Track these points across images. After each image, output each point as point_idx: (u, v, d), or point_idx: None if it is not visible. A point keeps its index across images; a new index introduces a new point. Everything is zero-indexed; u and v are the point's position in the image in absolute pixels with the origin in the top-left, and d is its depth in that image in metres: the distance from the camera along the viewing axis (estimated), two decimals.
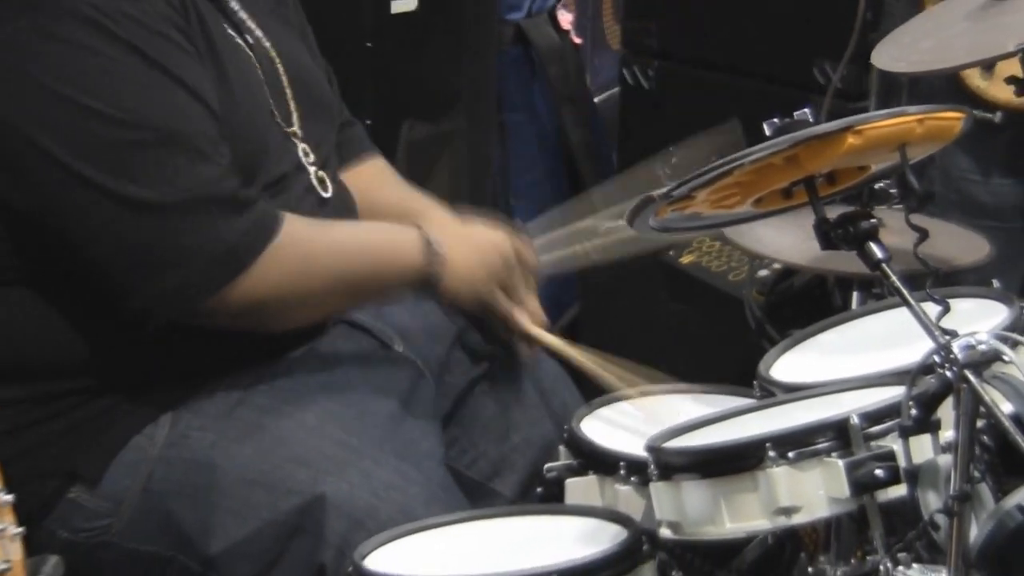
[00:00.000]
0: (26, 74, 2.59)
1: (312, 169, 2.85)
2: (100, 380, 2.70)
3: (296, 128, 2.86)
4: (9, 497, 1.79)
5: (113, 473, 2.70)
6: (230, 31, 2.81)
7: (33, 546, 2.62)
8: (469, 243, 2.85)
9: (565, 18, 4.66)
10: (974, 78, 3.19)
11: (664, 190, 2.42)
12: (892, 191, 2.90)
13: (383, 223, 2.92)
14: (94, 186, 2.58)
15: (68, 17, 2.60)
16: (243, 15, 2.86)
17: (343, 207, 2.90)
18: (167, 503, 2.69)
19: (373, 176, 3.08)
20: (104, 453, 2.70)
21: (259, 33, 2.87)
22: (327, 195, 2.86)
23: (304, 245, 2.70)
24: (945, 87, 3.15)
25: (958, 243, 3.10)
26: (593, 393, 2.86)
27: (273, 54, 2.87)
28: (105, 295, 2.63)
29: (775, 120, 2.43)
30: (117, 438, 2.71)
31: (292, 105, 2.87)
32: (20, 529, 1.79)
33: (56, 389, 2.69)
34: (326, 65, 3.08)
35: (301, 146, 2.86)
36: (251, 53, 2.83)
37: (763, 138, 2.40)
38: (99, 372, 2.70)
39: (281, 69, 2.87)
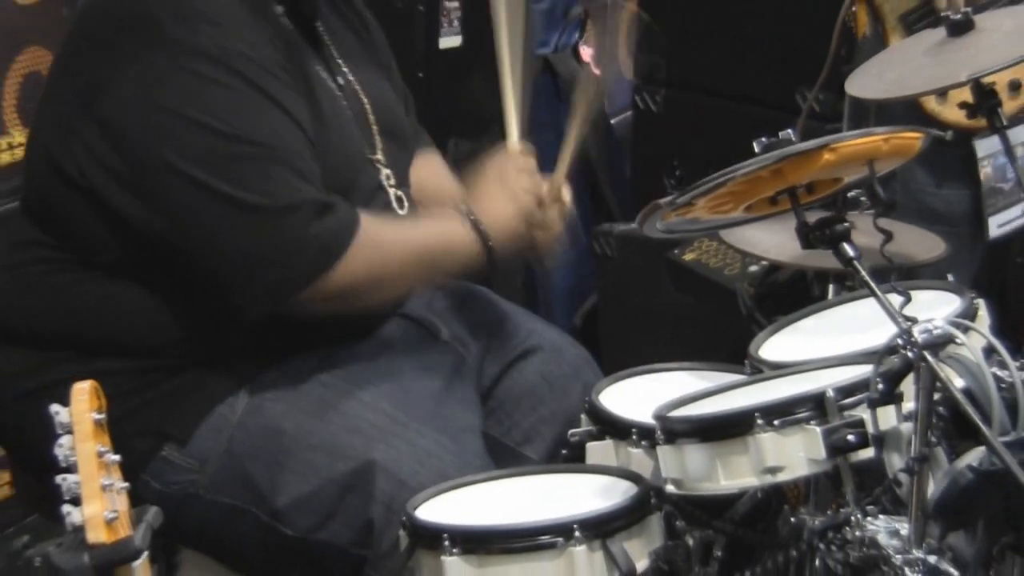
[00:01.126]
0: (161, 100, 2.59)
1: (391, 191, 2.85)
2: (190, 357, 2.71)
3: (379, 155, 2.86)
4: (116, 457, 1.79)
5: (200, 435, 2.70)
6: (324, 74, 2.81)
7: (137, 489, 2.67)
8: (502, 198, 2.82)
9: (586, 52, 4.65)
10: (930, 103, 3.18)
11: (669, 198, 2.43)
12: (862, 199, 2.89)
13: (435, 216, 2.89)
14: (210, 190, 2.58)
15: (198, 55, 2.61)
16: (339, 60, 2.87)
17: None
18: (244, 463, 2.70)
19: (426, 164, 3.07)
20: (192, 418, 2.71)
21: (351, 76, 2.87)
22: (403, 212, 2.86)
23: (379, 239, 2.69)
24: (905, 110, 3.13)
25: (918, 243, 3.09)
26: (608, 373, 2.86)
27: (362, 94, 2.87)
28: (210, 292, 2.64)
29: (763, 139, 2.42)
30: (203, 405, 2.71)
31: (376, 136, 2.87)
32: (126, 484, 1.79)
33: (152, 364, 2.70)
34: (406, 92, 3.09)
35: (384, 171, 2.86)
36: (341, 93, 2.83)
37: (753, 154, 2.39)
38: (189, 350, 2.71)
39: (368, 106, 2.87)
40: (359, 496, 2.63)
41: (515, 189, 2.82)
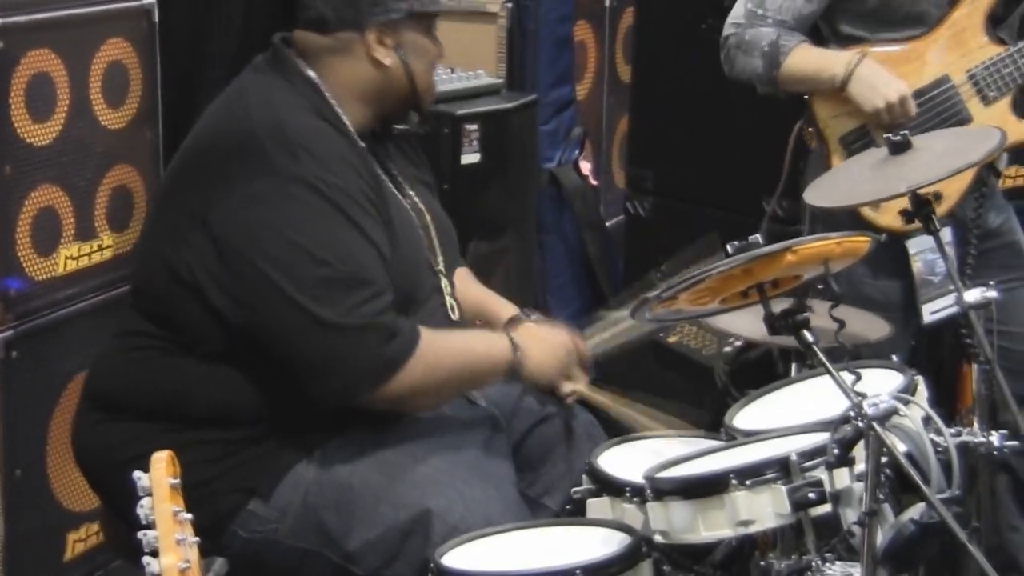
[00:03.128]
0: (263, 219, 2.62)
1: (448, 298, 2.87)
2: (270, 428, 2.71)
3: (441, 266, 2.88)
4: (189, 516, 1.79)
5: (280, 491, 2.70)
6: (397, 195, 2.83)
7: (222, 543, 2.70)
8: (545, 343, 2.85)
9: (585, 166, 4.67)
10: (866, 210, 3.19)
11: (656, 293, 2.43)
12: (820, 287, 2.89)
13: (483, 332, 2.91)
14: (296, 304, 2.59)
15: (298, 182, 2.62)
16: (407, 187, 2.89)
17: (464, 326, 2.92)
18: (318, 513, 2.69)
19: (463, 280, 3.06)
20: (273, 477, 2.70)
21: (413, 195, 2.89)
22: (455, 317, 2.88)
23: (433, 354, 2.68)
24: (848, 216, 3.14)
25: (867, 325, 3.09)
26: (612, 436, 2.86)
27: (423, 208, 2.89)
28: (289, 384, 2.65)
29: (735, 243, 2.42)
30: (282, 466, 2.71)
31: (437, 247, 2.88)
32: (196, 539, 1.79)
33: (239, 434, 2.70)
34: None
35: (444, 281, 2.88)
36: (410, 210, 2.85)
37: (726, 256, 2.39)
38: (270, 423, 2.71)
39: (430, 220, 2.89)
40: (418, 540, 2.62)
41: (563, 353, 2.86)
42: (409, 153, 3.00)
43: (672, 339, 3.89)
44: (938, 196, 3.16)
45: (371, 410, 2.70)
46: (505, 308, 3.03)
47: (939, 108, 3.28)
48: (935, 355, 3.85)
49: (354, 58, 2.78)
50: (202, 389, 2.71)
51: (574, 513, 2.69)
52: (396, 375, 2.63)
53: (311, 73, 2.77)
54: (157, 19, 3.55)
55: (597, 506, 2.61)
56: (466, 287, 3.04)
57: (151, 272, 2.77)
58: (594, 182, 4.74)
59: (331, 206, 2.62)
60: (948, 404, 3.78)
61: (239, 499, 2.70)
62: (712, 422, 2.81)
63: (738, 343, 3.53)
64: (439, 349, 2.71)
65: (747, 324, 3.01)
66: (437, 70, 4.09)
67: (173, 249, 2.70)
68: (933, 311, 3.32)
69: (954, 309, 3.05)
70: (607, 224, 4.78)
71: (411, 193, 2.89)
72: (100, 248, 3.42)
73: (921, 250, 3.29)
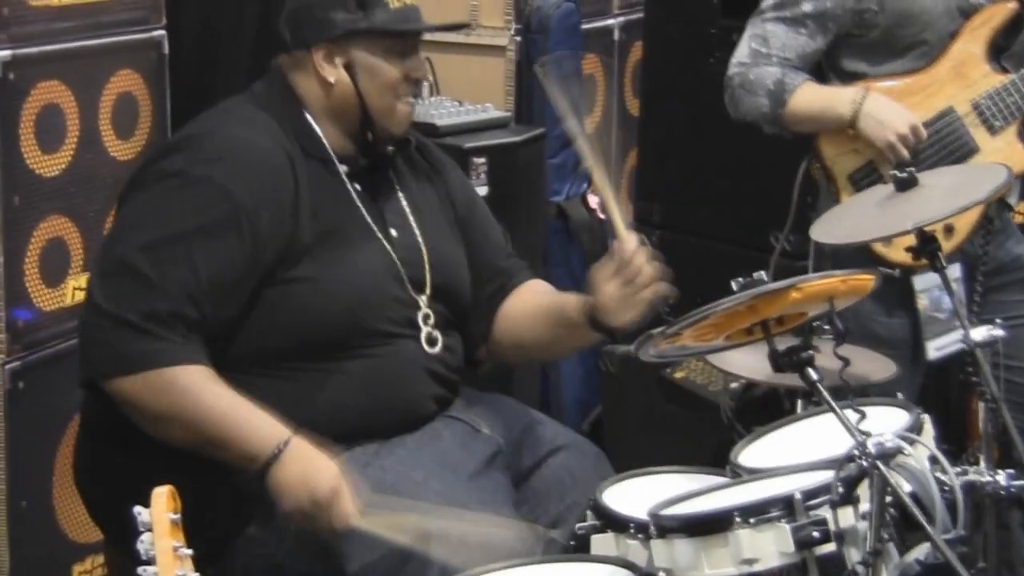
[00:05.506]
0: (139, 198, 2.72)
1: (426, 330, 2.83)
2: None
3: (424, 298, 2.83)
4: (189, 551, 1.78)
5: (278, 514, 2.65)
6: (377, 228, 2.80)
7: (225, 563, 2.68)
8: (312, 466, 2.59)
9: (593, 200, 4.66)
10: (878, 245, 3.18)
11: (660, 330, 2.43)
12: (825, 326, 2.88)
13: (265, 416, 2.61)
14: (96, 274, 2.71)
15: (183, 175, 2.67)
16: (408, 214, 2.87)
17: (444, 363, 2.86)
18: (317, 536, 2.65)
19: (535, 290, 3.02)
20: (271, 500, 2.64)
21: (416, 228, 2.86)
22: (432, 351, 2.83)
23: (181, 390, 2.60)
24: (858, 252, 3.14)
25: (872, 365, 3.08)
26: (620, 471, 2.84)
27: (422, 244, 2.86)
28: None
29: (740, 279, 2.42)
30: None
31: (428, 280, 2.84)
32: (196, 575, 1.78)
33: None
34: (503, 229, 3.07)
35: (422, 312, 2.83)
36: (388, 244, 2.81)
37: (731, 292, 2.39)
38: None
39: (425, 254, 2.85)
40: (417, 564, 2.59)
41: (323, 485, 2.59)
42: (426, 169, 2.97)
43: (678, 375, 3.88)
44: (950, 229, 3.17)
45: (361, 424, 2.71)
46: (571, 299, 2.89)
47: (945, 140, 3.28)
48: (943, 391, 3.83)
49: (308, 76, 2.80)
50: None
51: (578, 549, 2.67)
52: (127, 376, 2.59)
53: (299, 93, 2.80)
54: (167, 51, 3.56)
55: (601, 542, 2.60)
56: (534, 297, 2.98)
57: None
58: (602, 216, 4.73)
59: (194, 206, 2.65)
60: (957, 440, 3.76)
61: (238, 524, 2.69)
62: (717, 458, 2.79)
63: (744, 380, 3.51)
64: (197, 388, 2.61)
65: (753, 360, 3.00)
66: (444, 103, 4.16)
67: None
68: (938, 348, 3.31)
69: (960, 346, 3.04)
70: None
71: (410, 220, 2.87)
72: None
73: (927, 287, 3.28)
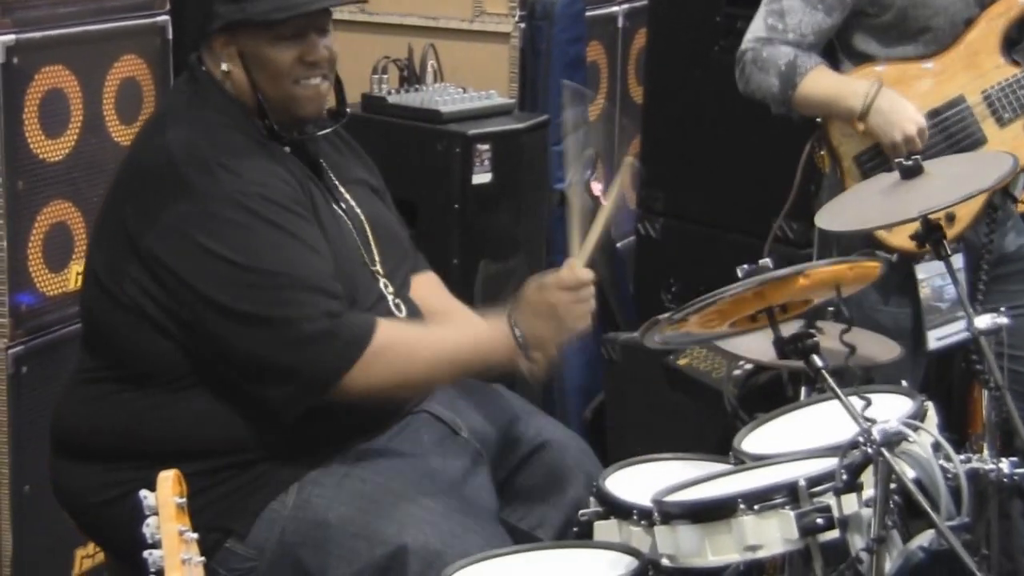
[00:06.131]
0: (190, 241, 2.62)
1: (390, 298, 2.83)
2: (247, 463, 2.70)
3: (379, 267, 2.85)
4: (195, 535, 1.79)
5: (257, 529, 2.69)
6: (328, 200, 2.82)
7: None
8: (536, 315, 2.73)
9: (596, 187, 4.65)
10: (879, 230, 3.18)
11: (665, 316, 2.42)
12: (831, 308, 2.88)
13: (465, 323, 2.88)
14: (233, 313, 2.61)
15: (216, 200, 2.64)
16: (342, 189, 2.88)
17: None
18: (295, 550, 2.68)
19: (430, 286, 3.04)
20: (250, 514, 2.69)
21: (350, 198, 2.87)
22: (401, 315, 2.84)
23: (401, 342, 2.68)
24: (859, 238, 3.13)
25: (879, 347, 3.07)
26: (614, 461, 2.84)
27: (360, 212, 2.87)
28: (252, 400, 2.65)
29: (745, 266, 2.41)
30: (258, 503, 2.70)
31: (375, 250, 2.86)
32: (202, 559, 1.79)
33: (218, 464, 2.69)
34: (399, 218, 3.06)
35: (382, 281, 2.84)
36: (345, 216, 2.83)
37: (735, 279, 2.39)
38: (248, 451, 2.70)
39: (367, 225, 2.86)
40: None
41: (559, 307, 2.75)
42: (343, 147, 2.98)
43: (682, 362, 3.87)
44: (951, 217, 3.16)
45: (337, 430, 2.71)
46: (470, 320, 2.95)
47: (953, 129, 3.27)
48: (945, 379, 3.83)
49: (214, 65, 2.79)
50: (161, 424, 2.70)
51: (581, 536, 2.67)
52: (355, 362, 2.62)
53: (218, 82, 2.78)
54: (171, 36, 3.55)
55: (604, 529, 2.60)
56: (431, 293, 3.01)
57: (96, 304, 2.77)
58: (605, 202, 4.73)
59: (252, 216, 2.63)
60: (959, 429, 3.76)
61: (217, 538, 2.69)
62: (720, 444, 2.79)
63: (748, 366, 3.51)
64: (407, 335, 2.70)
65: (757, 347, 3.00)
66: (448, 89, 4.15)
67: (114, 281, 2.70)
68: (939, 337, 3.31)
69: (961, 336, 3.04)
70: (618, 245, 4.77)
71: (345, 195, 2.88)
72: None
73: (930, 276, 3.28)
